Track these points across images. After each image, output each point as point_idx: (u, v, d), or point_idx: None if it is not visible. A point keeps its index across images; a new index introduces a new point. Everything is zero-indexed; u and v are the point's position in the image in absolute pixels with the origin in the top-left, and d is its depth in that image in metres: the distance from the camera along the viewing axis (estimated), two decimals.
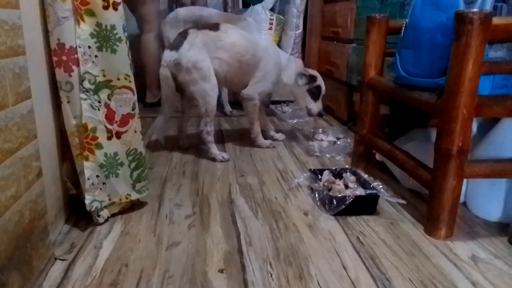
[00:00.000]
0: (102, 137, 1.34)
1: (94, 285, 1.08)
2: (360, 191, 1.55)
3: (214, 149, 2.10)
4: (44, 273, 1.11)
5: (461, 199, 1.53)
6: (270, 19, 3.14)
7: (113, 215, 1.44)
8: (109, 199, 1.40)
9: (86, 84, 1.28)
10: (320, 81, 2.29)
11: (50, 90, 1.28)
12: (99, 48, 1.28)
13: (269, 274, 1.14)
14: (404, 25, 1.55)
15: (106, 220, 1.40)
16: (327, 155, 2.18)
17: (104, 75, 1.31)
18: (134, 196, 1.45)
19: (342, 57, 2.82)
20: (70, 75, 1.26)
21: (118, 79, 1.33)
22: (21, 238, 0.99)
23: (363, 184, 1.61)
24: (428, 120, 1.81)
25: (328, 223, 1.44)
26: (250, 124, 2.27)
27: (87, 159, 1.32)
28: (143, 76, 3.17)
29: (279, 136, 2.45)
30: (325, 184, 1.61)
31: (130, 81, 1.36)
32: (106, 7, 1.26)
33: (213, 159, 2.08)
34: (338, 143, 2.30)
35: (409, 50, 1.51)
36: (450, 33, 1.23)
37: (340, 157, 2.14)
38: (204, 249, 1.26)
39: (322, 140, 2.33)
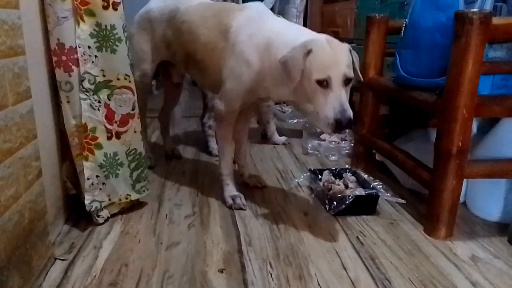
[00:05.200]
0: (102, 137, 1.33)
1: (94, 285, 1.08)
2: (360, 191, 1.55)
3: (212, 143, 2.13)
4: (44, 273, 1.11)
5: (461, 199, 1.52)
6: None
7: (113, 215, 1.43)
8: (109, 199, 1.40)
9: (86, 84, 1.28)
10: None
11: (50, 90, 1.28)
12: (99, 48, 1.28)
13: (269, 274, 1.14)
14: (404, 25, 1.55)
15: (106, 220, 1.40)
16: (319, 154, 2.18)
17: (104, 75, 1.31)
18: (134, 196, 1.45)
19: None
20: (70, 75, 1.26)
21: (118, 79, 1.33)
22: (20, 238, 0.99)
23: (363, 184, 1.61)
24: (428, 120, 1.81)
25: (328, 223, 1.44)
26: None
27: (86, 159, 1.32)
28: None
29: (280, 140, 2.41)
30: (325, 184, 1.61)
31: (130, 81, 1.36)
32: (106, 7, 1.26)
33: (209, 153, 2.14)
34: (343, 144, 2.28)
35: (409, 50, 1.51)
36: (450, 33, 1.23)
37: (335, 157, 2.13)
38: (204, 249, 1.26)
39: (324, 140, 2.32)
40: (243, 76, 1.39)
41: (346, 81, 1.20)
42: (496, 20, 1.19)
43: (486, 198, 1.49)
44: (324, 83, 1.19)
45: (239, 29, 1.41)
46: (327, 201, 1.50)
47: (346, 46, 1.26)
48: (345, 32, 2.81)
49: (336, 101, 1.18)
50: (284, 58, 1.24)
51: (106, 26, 1.27)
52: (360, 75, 1.30)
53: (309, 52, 1.21)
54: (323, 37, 1.28)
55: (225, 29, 1.44)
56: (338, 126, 1.17)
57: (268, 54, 1.34)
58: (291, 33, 1.33)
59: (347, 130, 1.26)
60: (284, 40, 1.31)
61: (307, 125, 2.49)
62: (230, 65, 1.42)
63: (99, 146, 1.33)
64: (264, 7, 1.48)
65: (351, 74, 1.21)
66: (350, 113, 1.17)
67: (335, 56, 1.21)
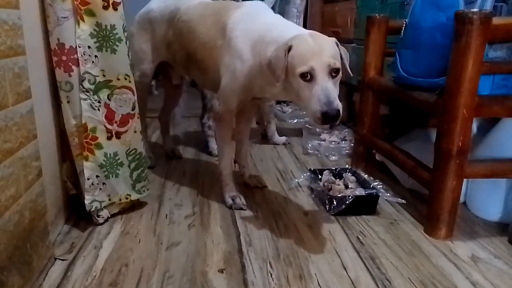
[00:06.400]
0: (102, 137, 1.33)
1: (94, 285, 1.08)
2: (360, 191, 1.55)
3: (212, 143, 2.13)
4: (44, 273, 1.11)
5: (461, 199, 1.52)
6: None
7: (113, 215, 1.43)
8: (109, 199, 1.40)
9: (86, 84, 1.28)
10: None
11: (50, 90, 1.28)
12: (99, 48, 1.28)
13: (269, 274, 1.14)
14: (404, 25, 1.55)
15: (106, 220, 1.40)
16: (319, 154, 2.17)
17: (104, 75, 1.31)
18: (134, 196, 1.45)
19: None
20: (70, 75, 1.26)
21: (118, 79, 1.33)
22: (21, 238, 0.99)
23: (363, 184, 1.61)
24: (428, 120, 1.81)
25: (328, 223, 1.44)
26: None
27: (87, 159, 1.32)
28: None
29: (280, 140, 2.41)
30: (325, 184, 1.61)
31: (130, 81, 1.36)
32: (106, 7, 1.26)
33: (210, 153, 2.14)
34: (343, 144, 2.27)
35: (409, 50, 1.51)
36: (450, 33, 1.23)
37: (335, 157, 2.13)
38: (204, 249, 1.26)
39: (324, 140, 2.32)
40: (237, 72, 1.38)
41: (333, 72, 1.15)
42: (496, 20, 1.19)
43: (486, 198, 1.49)
44: (308, 76, 1.14)
45: (234, 25, 1.41)
46: (327, 201, 1.50)
47: (331, 39, 1.22)
48: (345, 32, 2.81)
49: (321, 93, 1.12)
50: (268, 59, 1.24)
51: (106, 26, 1.27)
52: (349, 70, 1.25)
53: (290, 48, 1.18)
54: (306, 32, 1.26)
55: (222, 27, 1.44)
56: (325, 118, 1.11)
57: (260, 50, 1.32)
58: (280, 30, 1.31)
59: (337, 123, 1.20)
60: (272, 36, 1.29)
61: (307, 125, 2.49)
62: (226, 62, 1.42)
63: (99, 146, 1.33)
64: (262, 4, 1.48)
65: (337, 64, 1.15)
66: (337, 104, 1.11)
67: (317, 47, 1.16)
